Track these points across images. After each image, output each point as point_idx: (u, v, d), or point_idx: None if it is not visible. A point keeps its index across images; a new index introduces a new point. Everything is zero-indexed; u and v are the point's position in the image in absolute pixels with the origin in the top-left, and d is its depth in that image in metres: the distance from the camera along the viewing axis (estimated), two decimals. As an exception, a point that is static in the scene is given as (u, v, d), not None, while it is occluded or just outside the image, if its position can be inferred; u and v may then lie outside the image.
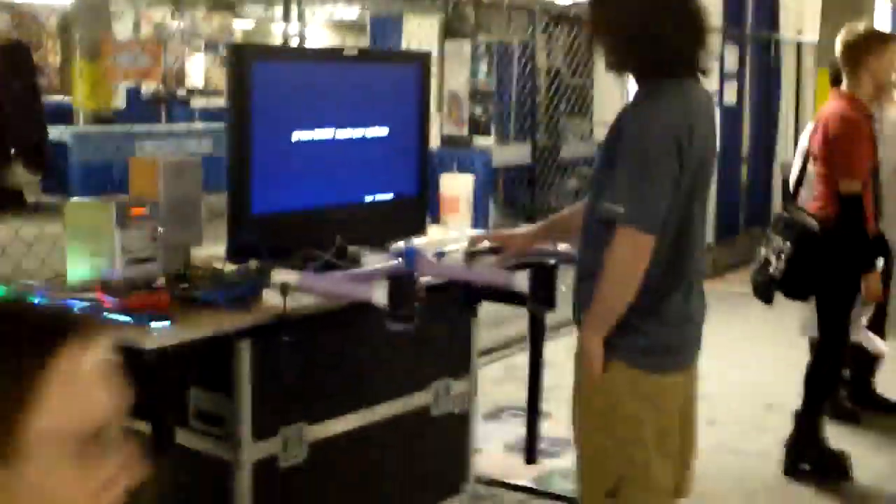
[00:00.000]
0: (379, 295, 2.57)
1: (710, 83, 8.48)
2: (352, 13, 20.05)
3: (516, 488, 4.06)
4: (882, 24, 11.62)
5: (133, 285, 2.67)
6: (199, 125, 13.97)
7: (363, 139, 3.27)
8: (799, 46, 11.05)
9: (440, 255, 3.10)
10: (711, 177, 2.69)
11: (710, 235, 8.85)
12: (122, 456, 1.09)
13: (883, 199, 4.73)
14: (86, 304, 2.62)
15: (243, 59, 2.92)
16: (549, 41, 11.07)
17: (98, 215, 2.78)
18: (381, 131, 3.32)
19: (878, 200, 4.60)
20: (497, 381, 5.44)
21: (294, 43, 6.70)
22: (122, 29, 18.14)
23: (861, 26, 4.45)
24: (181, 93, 18.78)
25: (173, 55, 17.24)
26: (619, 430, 2.57)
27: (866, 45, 4.26)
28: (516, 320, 5.99)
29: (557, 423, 4.62)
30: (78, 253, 2.85)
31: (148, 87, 17.61)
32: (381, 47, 12.29)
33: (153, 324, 2.48)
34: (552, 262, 2.98)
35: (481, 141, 9.75)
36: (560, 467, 4.25)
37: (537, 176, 8.83)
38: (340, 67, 3.22)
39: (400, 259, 2.93)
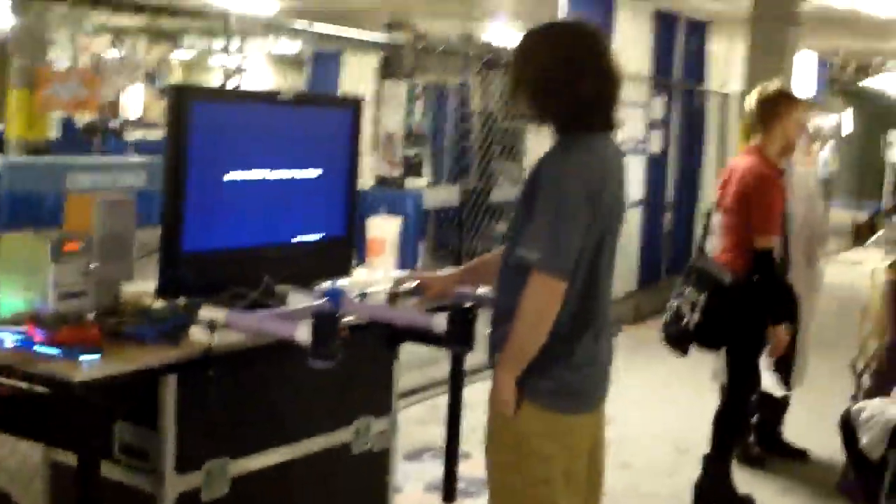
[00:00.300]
0: (302, 333, 2.68)
1: (637, 131, 8.76)
2: (293, 47, 20.18)
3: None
4: (802, 78, 12.06)
5: (64, 319, 2.74)
6: (133, 158, 13.91)
7: (294, 181, 3.38)
8: (724, 98, 11.44)
9: (363, 295, 3.22)
10: (620, 227, 2.83)
11: (632, 282, 9.09)
12: None
13: (791, 253, 4.98)
14: (17, 336, 2.69)
15: (183, 99, 3.02)
16: (483, 84, 11.28)
17: (33, 249, 2.86)
18: (312, 173, 3.43)
19: (786, 252, 4.84)
20: (420, 422, 5.54)
21: (233, 78, 6.78)
22: (58, 57, 18.02)
23: (774, 85, 4.68)
24: (115, 124, 18.70)
25: (111, 86, 17.13)
26: (529, 468, 2.70)
27: (777, 104, 4.49)
28: (441, 362, 6.13)
29: (476, 463, 4.73)
30: (10, 286, 2.91)
31: (82, 118, 17.49)
32: (321, 82, 12.42)
33: (82, 357, 2.55)
34: (469, 304, 3.10)
35: (414, 182, 9.91)
36: (477, 506, 4.37)
37: (466, 219, 8.98)
38: (276, 110, 3.33)
39: (324, 299, 3.03)
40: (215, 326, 2.76)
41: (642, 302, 8.94)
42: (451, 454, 4.14)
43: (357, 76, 10.60)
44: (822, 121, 12.33)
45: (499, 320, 2.75)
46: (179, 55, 26.31)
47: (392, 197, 8.02)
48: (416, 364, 5.59)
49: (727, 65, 12.71)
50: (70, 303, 2.87)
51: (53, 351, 2.59)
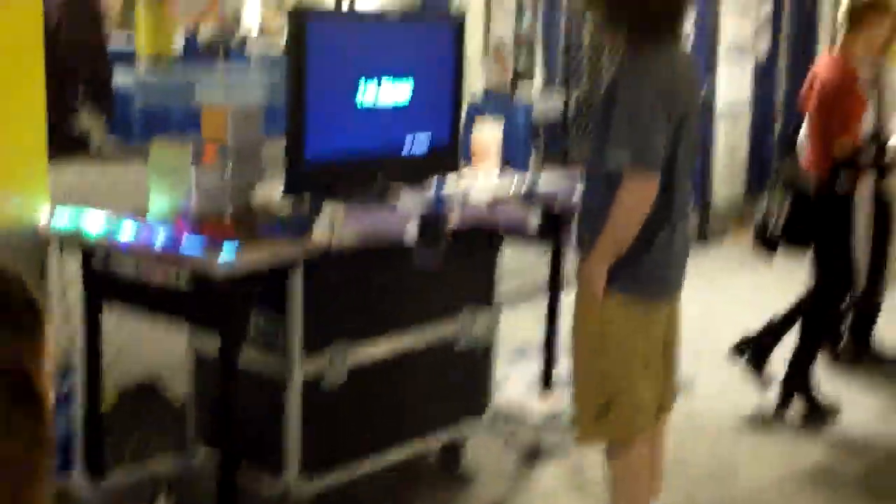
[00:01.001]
0: (410, 234, 3.00)
1: (744, 32, 8.57)
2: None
3: (534, 417, 4.48)
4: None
5: (205, 217, 3.13)
6: (255, 75, 14.33)
7: (404, 93, 3.69)
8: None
9: (466, 197, 3.51)
10: (694, 132, 3.04)
11: (740, 188, 9.15)
12: None
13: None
14: (167, 230, 3.09)
15: (300, 21, 3.33)
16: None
17: (178, 155, 3.25)
18: (419, 85, 3.73)
19: (881, 157, 4.94)
20: (522, 323, 5.81)
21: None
22: (179, -31, 18.46)
23: None
24: (236, 39, 19.12)
25: (230, -1, 17.53)
26: (610, 351, 3.00)
27: (865, 14, 4.58)
28: (533, 270, 6.39)
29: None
30: (158, 188, 3.32)
31: (204, 33, 17.95)
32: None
33: (223, 249, 2.93)
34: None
35: (526, 87, 10.06)
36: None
37: (574, 123, 9.10)
38: (385, 28, 3.63)
39: (431, 200, 3.35)
40: (335, 225, 3.11)
41: (751, 207, 9.01)
42: (549, 348, 4.44)
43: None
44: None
45: (588, 218, 3.02)
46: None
47: (503, 103, 8.20)
48: (516, 272, 5.82)
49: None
50: (210, 203, 3.25)
51: (199, 243, 2.98)
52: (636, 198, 2.86)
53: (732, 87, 8.75)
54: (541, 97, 9.97)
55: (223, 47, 16.40)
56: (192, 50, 16.79)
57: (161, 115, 12.48)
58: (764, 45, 9.32)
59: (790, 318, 4.85)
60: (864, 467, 4.28)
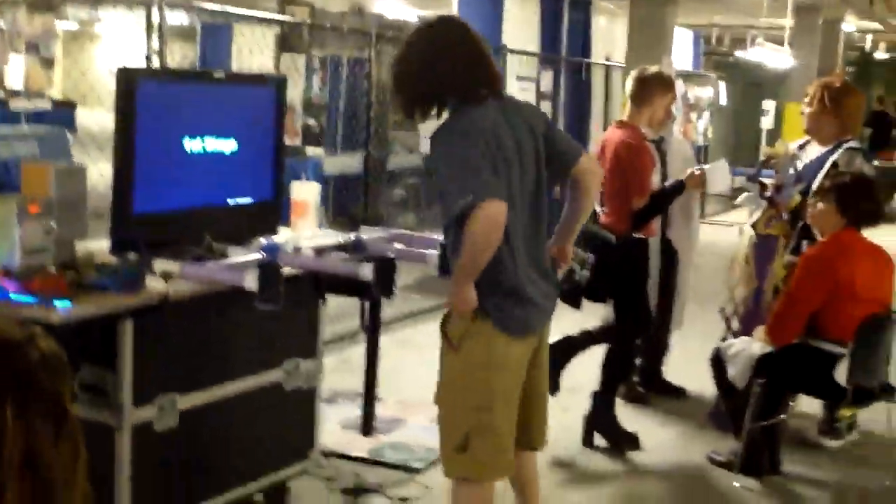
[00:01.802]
0: (250, 280, 3.09)
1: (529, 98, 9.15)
2: (181, 18, 20.08)
3: (353, 459, 4.60)
4: (684, 57, 12.77)
5: (33, 272, 3.09)
6: (26, 128, 13.89)
7: (228, 150, 3.77)
8: (608, 69, 12.05)
9: (297, 249, 3.63)
10: (530, 174, 3.21)
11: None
12: None
13: (670, 210, 5.56)
14: (-8, 285, 3.03)
15: (129, 78, 3.38)
16: (378, 56, 11.64)
17: (0, 211, 3.19)
18: (243, 143, 3.82)
19: (665, 213, 5.43)
20: (331, 371, 5.94)
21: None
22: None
23: (652, 69, 5.25)
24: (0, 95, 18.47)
25: (-1, 57, 16.91)
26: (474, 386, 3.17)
27: (652, 87, 5.06)
28: (348, 318, 6.55)
29: (387, 406, 5.21)
30: (-21, 244, 3.24)
31: (-34, 88, 17.24)
32: (212, 54, 12.59)
33: (57, 303, 2.92)
34: (392, 255, 3.54)
35: (314, 150, 10.22)
36: (391, 441, 4.83)
37: (366, 185, 9.34)
38: (211, 88, 3.71)
39: (263, 252, 3.44)
40: (169, 276, 3.15)
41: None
42: (370, 393, 4.57)
43: (248, 48, 10.79)
44: (699, 93, 13.07)
45: (453, 257, 3.17)
46: (63, 25, 25.94)
47: (294, 164, 8.31)
48: (327, 319, 5.96)
49: (611, 39, 13.33)
50: (34, 258, 3.22)
51: (28, 299, 2.95)
52: (481, 225, 2.95)
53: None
54: (330, 158, 10.17)
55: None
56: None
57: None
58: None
59: (583, 341, 5.20)
60: (668, 491, 4.61)
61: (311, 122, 10.76)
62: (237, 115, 3.82)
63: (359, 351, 6.43)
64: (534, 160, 3.21)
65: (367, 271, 3.34)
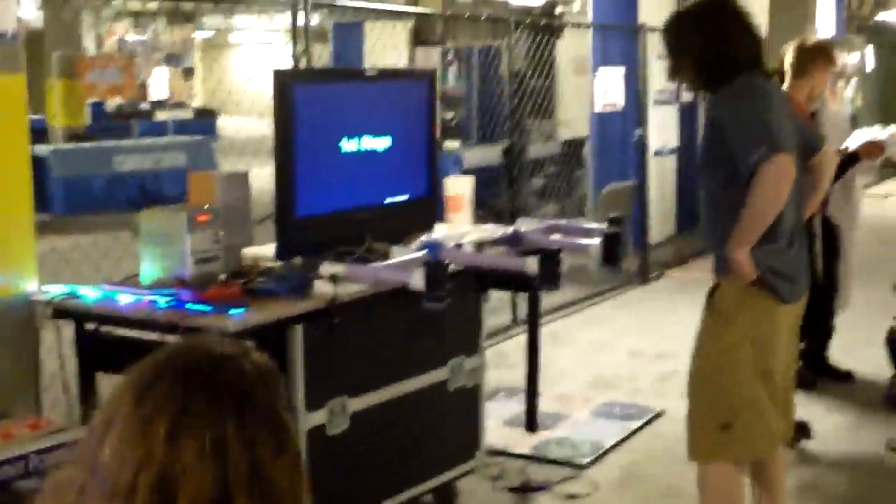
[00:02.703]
0: (417, 279, 3.06)
1: (669, 82, 8.93)
2: (313, 18, 20.43)
3: (518, 456, 4.55)
4: (827, 23, 12.31)
5: (206, 281, 3.14)
6: (173, 139, 14.36)
7: (384, 148, 3.76)
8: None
9: (458, 246, 3.59)
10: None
11: (671, 226, 9.42)
12: None
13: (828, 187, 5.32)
14: (167, 298, 3.08)
15: (286, 82, 3.39)
16: (515, 44, 11.56)
17: (170, 222, 3.25)
18: (398, 140, 3.81)
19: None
20: (488, 367, 5.91)
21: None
22: (85, 44, 18.42)
23: (812, 40, 5.05)
24: (144, 106, 19.16)
25: (143, 70, 17.59)
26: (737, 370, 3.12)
27: (813, 59, 4.85)
28: (498, 311, 6.51)
29: (546, 400, 5.14)
30: (150, 255, 3.31)
31: (112, 102, 17.95)
32: (344, 52, 12.75)
33: (232, 311, 2.95)
34: (554, 247, 3.47)
35: (450, 144, 10.23)
36: (554, 437, 4.76)
37: (506, 176, 9.26)
38: (364, 86, 3.70)
39: (425, 250, 3.41)
40: (337, 279, 3.14)
41: (682, 245, 9.26)
42: (532, 389, 4.51)
43: (381, 44, 10.87)
44: (845, 59, 12.57)
45: (717, 227, 3.17)
46: (199, 34, 26.71)
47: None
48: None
49: (750, 10, 12.94)
50: (205, 267, 3.26)
51: (205, 308, 2.98)
52: (773, 176, 2.96)
53: (661, 132, 9.03)
54: (470, 151, 10.15)
55: (131, 116, 16.35)
56: (101, 120, 16.75)
57: (81, 186, 12.38)
58: (686, 93, 9.68)
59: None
60: (844, 481, 4.42)
61: (449, 114, 10.78)
62: (391, 111, 3.80)
63: (510, 345, 6.41)
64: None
65: (532, 265, 3.28)
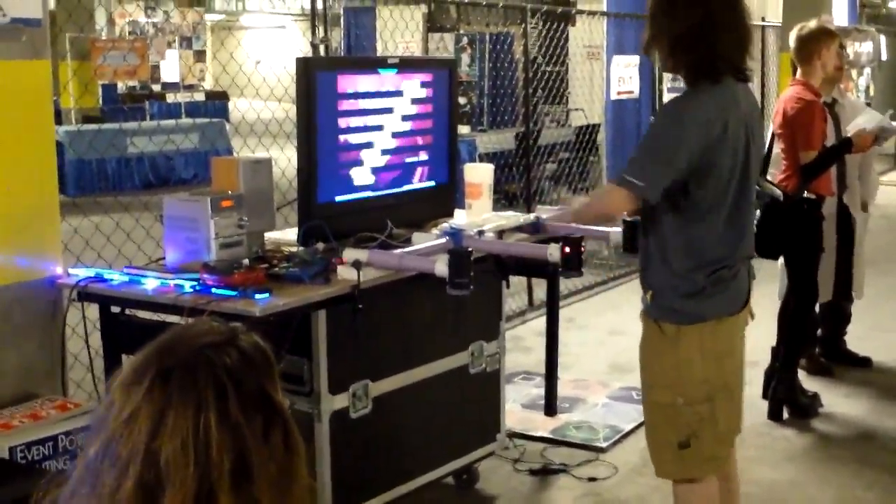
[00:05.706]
0: (440, 266, 3.08)
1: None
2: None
3: (537, 439, 4.58)
4: (839, 13, 12.25)
5: (231, 266, 3.16)
6: (186, 121, 14.39)
7: (405, 135, 3.77)
8: (763, 30, 11.64)
9: (480, 232, 3.60)
10: (755, 166, 3.05)
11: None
12: None
13: (847, 173, 5.33)
14: (192, 282, 3.11)
15: (309, 70, 3.40)
16: (526, 31, 11.53)
17: (195, 207, 3.27)
18: (418, 127, 3.82)
19: (842, 176, 5.21)
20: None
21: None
22: (97, 26, 18.41)
23: (812, 23, 5.02)
24: (156, 88, 19.15)
25: (155, 52, 17.56)
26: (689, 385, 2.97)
27: (817, 41, 4.85)
28: (515, 296, 6.53)
29: (563, 384, 5.16)
30: (174, 239, 3.33)
31: (123, 84, 17.96)
32: (356, 37, 12.73)
33: (257, 296, 2.97)
34: (577, 234, 3.47)
35: (464, 130, 10.22)
36: (574, 420, 4.78)
37: (519, 161, 9.25)
38: (384, 74, 3.71)
39: (447, 237, 3.43)
40: (361, 265, 3.16)
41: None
42: (551, 373, 4.53)
43: (392, 29, 10.84)
44: (859, 48, 12.50)
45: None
46: (210, 17, 26.66)
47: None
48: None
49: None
50: (228, 252, 3.28)
51: (230, 292, 3.01)
52: (606, 201, 3.05)
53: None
54: (484, 136, 10.15)
55: (143, 98, 16.33)
56: (112, 102, 16.75)
57: (95, 167, 12.41)
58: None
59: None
60: (865, 465, 4.43)
61: (462, 100, 10.77)
62: (411, 99, 3.81)
63: (526, 329, 6.43)
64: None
65: (555, 252, 3.29)
